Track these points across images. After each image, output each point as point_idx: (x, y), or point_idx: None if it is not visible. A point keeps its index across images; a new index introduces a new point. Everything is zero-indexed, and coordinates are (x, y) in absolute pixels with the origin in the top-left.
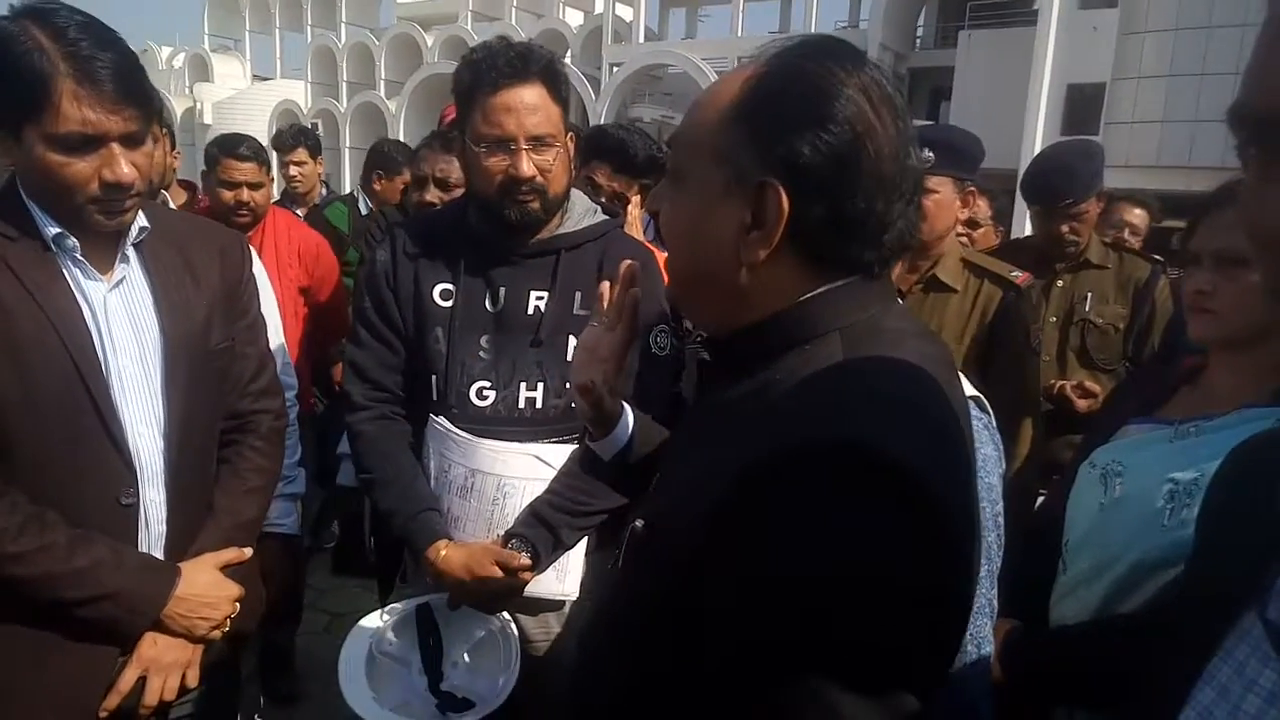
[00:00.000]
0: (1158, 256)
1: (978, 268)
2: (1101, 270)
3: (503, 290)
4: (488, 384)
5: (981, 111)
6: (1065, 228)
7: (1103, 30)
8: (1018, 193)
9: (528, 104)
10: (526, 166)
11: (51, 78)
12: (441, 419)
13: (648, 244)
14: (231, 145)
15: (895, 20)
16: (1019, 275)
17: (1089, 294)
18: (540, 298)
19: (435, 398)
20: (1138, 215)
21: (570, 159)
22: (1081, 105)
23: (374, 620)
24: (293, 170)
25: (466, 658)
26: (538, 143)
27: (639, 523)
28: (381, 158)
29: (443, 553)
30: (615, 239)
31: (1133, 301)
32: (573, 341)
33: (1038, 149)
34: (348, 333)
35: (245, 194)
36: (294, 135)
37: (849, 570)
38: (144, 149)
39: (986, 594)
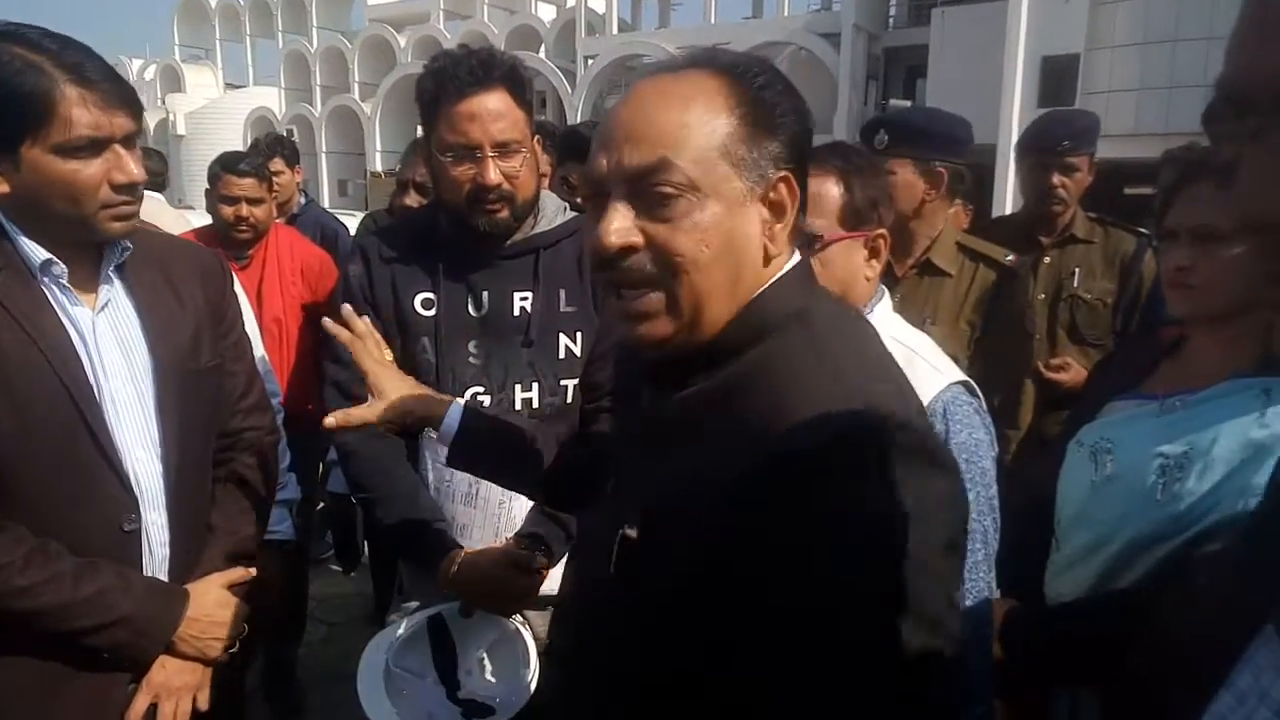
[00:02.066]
0: (1143, 229)
1: (972, 251)
2: (1088, 245)
3: (485, 294)
4: (481, 389)
5: (958, 88)
6: (1055, 179)
7: (1074, 1)
8: (999, 168)
9: (491, 111)
10: (493, 174)
11: (52, 89)
12: None
13: None
14: (232, 162)
15: (868, 1)
16: (1012, 258)
17: (1076, 269)
18: (525, 298)
19: None
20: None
21: (538, 162)
22: (1056, 77)
23: (387, 636)
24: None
25: (483, 663)
26: (503, 149)
27: (630, 530)
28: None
29: (458, 562)
30: None
31: (1120, 275)
32: (563, 339)
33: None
34: None
35: (245, 209)
36: (270, 144)
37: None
38: (137, 149)
39: (985, 577)
